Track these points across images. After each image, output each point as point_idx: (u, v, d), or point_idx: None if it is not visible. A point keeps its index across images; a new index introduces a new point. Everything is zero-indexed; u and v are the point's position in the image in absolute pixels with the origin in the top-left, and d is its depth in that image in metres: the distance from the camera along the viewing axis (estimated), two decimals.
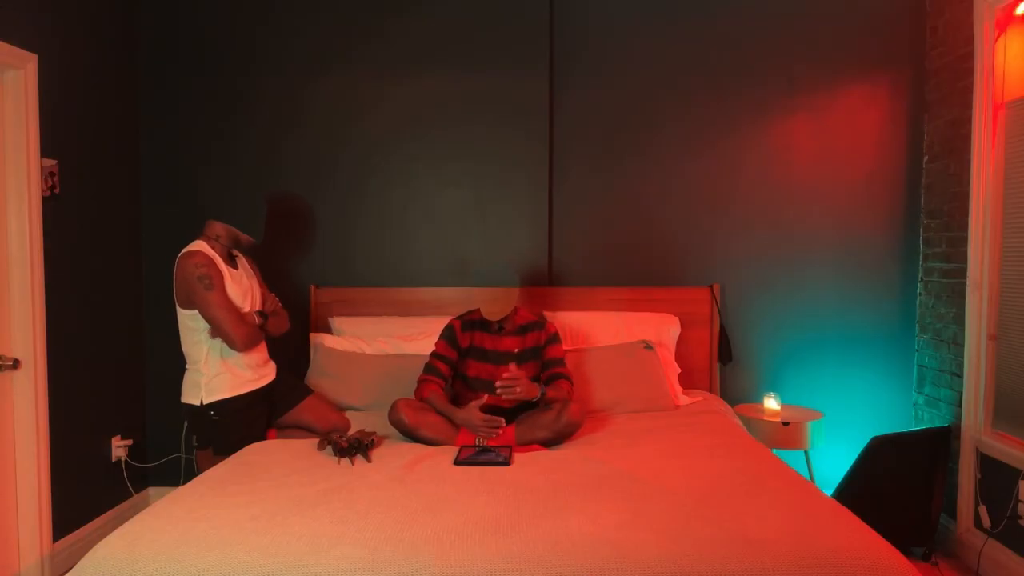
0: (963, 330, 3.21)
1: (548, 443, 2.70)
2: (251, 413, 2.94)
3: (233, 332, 2.77)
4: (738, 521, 1.87)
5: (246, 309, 2.94)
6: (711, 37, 3.67)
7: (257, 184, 3.76)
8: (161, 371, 3.77)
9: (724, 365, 3.73)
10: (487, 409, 2.84)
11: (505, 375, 2.73)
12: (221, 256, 2.89)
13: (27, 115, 2.87)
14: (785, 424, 3.26)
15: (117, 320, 3.55)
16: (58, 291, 3.10)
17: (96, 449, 3.41)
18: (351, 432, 2.86)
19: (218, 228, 2.91)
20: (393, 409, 2.77)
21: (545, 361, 3.00)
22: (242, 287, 2.93)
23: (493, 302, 2.96)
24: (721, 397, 3.66)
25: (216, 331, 2.80)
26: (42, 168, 2.97)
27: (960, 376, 3.24)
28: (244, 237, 2.97)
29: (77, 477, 3.24)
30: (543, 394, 2.81)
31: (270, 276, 3.56)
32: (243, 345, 2.81)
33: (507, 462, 2.44)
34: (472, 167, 3.72)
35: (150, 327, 3.80)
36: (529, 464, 2.43)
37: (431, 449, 2.64)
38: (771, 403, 3.42)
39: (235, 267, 2.97)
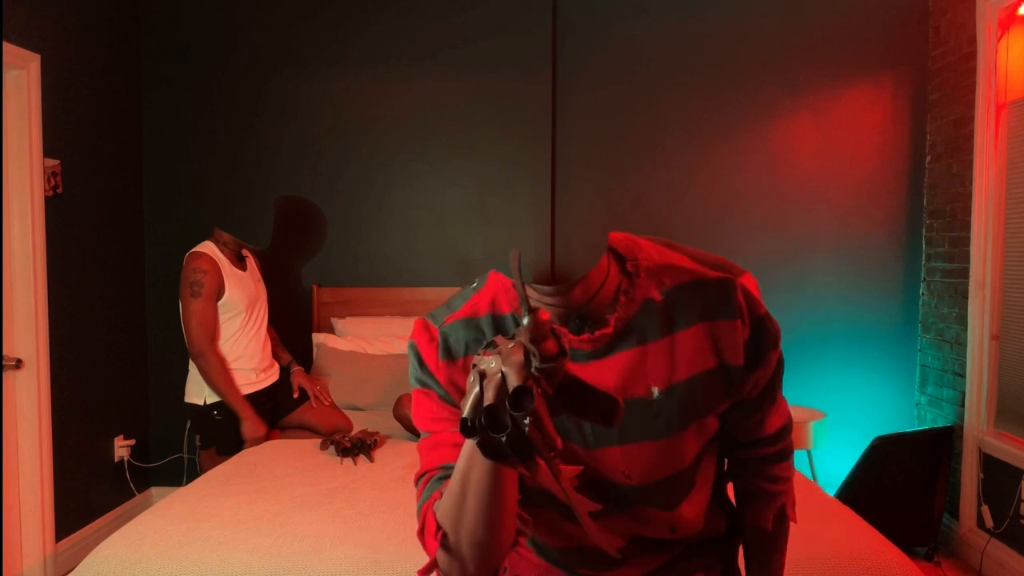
0: (966, 330, 3.21)
1: None
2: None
3: (197, 345, 2.81)
4: None
5: (251, 314, 2.96)
6: (714, 38, 3.66)
7: (259, 184, 3.76)
8: (164, 371, 3.77)
9: None
10: None
11: None
12: (229, 258, 2.92)
13: (30, 115, 2.88)
14: None
15: (120, 320, 3.56)
16: (61, 291, 3.10)
17: (99, 449, 3.41)
18: (354, 432, 2.87)
19: (225, 236, 2.94)
20: (399, 404, 2.77)
21: None
22: (247, 291, 2.95)
23: None
24: None
25: (185, 337, 2.84)
26: (45, 168, 2.97)
27: (963, 376, 3.24)
28: (250, 247, 3.00)
29: (80, 477, 3.24)
30: None
31: (273, 276, 3.56)
32: (197, 360, 2.83)
33: None
34: (475, 167, 3.72)
35: (153, 327, 3.80)
36: None
37: None
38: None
39: (244, 269, 2.99)
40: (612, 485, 0.95)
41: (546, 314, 0.70)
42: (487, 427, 0.66)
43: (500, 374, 0.67)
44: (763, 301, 1.01)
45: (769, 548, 1.11)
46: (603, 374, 0.93)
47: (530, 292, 0.94)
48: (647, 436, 0.93)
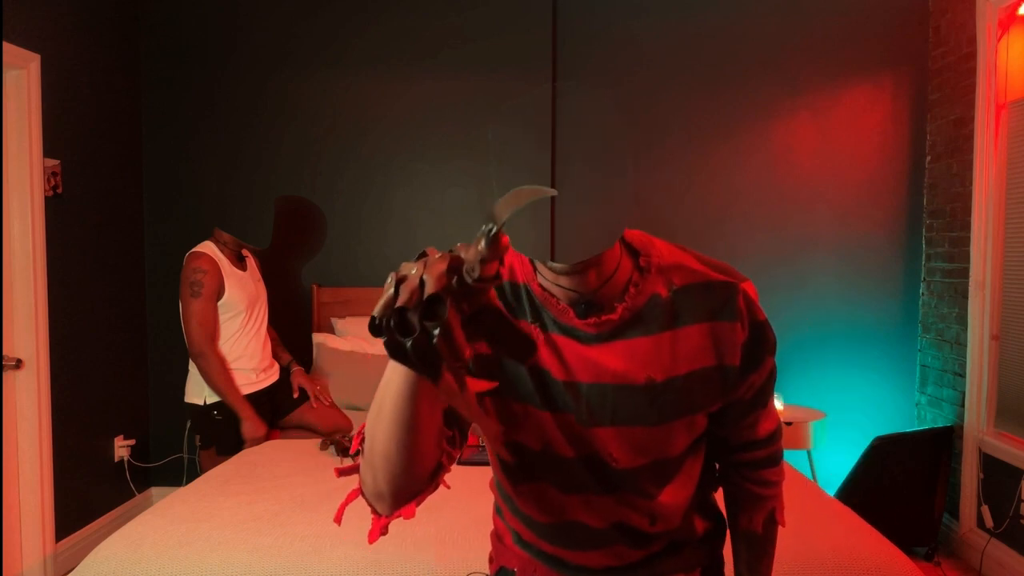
0: (966, 330, 3.21)
1: None
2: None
3: (197, 345, 2.81)
4: None
5: (251, 314, 2.97)
6: (714, 38, 3.66)
7: (259, 184, 3.75)
8: (164, 371, 3.77)
9: None
10: None
11: None
12: (229, 258, 2.92)
13: (30, 115, 2.87)
14: (788, 424, 3.26)
15: (120, 320, 3.56)
16: (61, 291, 3.10)
17: (99, 449, 3.41)
18: (353, 432, 2.87)
19: (225, 236, 2.95)
20: None
21: None
22: (247, 291, 2.96)
23: None
24: None
25: (185, 337, 2.84)
26: (45, 168, 2.97)
27: (963, 376, 3.24)
28: (250, 247, 3.01)
29: (80, 477, 3.24)
30: None
31: (273, 276, 3.56)
32: (197, 360, 2.83)
33: None
34: (475, 167, 3.72)
35: (153, 327, 3.80)
36: None
37: None
38: (774, 403, 3.42)
39: (244, 269, 3.00)
40: (601, 465, 1.00)
41: (506, 238, 0.70)
42: (394, 328, 0.67)
43: (420, 280, 0.68)
44: (763, 301, 1.04)
45: (759, 552, 1.14)
46: (605, 358, 0.97)
47: (543, 270, 0.99)
48: (639, 422, 0.98)
